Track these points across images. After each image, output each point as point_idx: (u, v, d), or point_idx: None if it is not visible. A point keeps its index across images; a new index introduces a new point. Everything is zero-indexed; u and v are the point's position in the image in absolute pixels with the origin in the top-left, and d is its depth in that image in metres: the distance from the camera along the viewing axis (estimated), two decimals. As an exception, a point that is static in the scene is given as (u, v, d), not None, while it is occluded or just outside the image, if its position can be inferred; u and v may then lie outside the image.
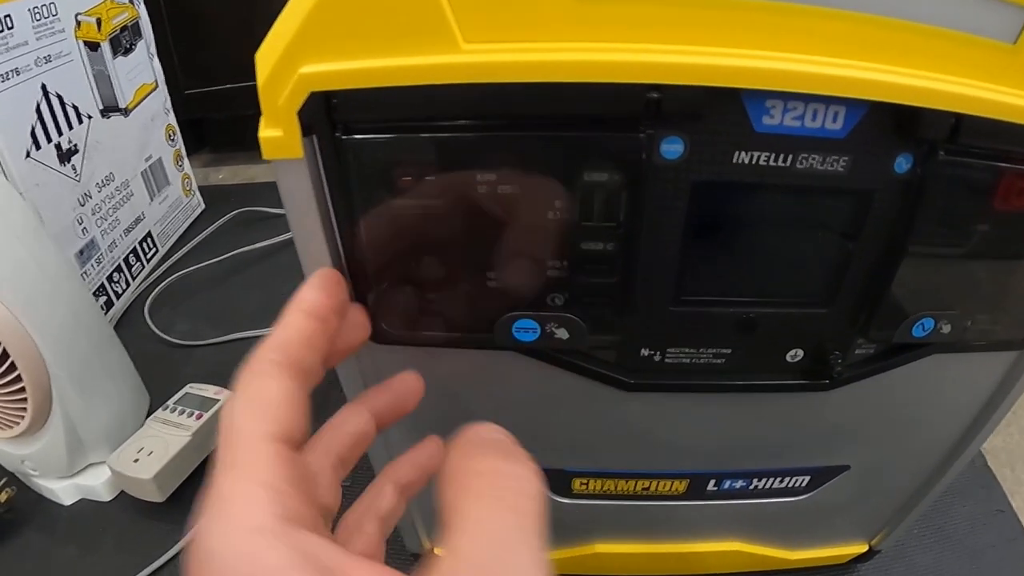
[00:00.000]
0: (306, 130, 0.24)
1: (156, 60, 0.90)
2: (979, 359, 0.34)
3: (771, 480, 0.39)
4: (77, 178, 0.73)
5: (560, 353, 0.30)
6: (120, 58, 0.82)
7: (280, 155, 0.24)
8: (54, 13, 0.70)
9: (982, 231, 0.27)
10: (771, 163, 0.25)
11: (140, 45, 0.87)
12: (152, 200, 0.89)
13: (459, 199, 0.25)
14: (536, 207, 0.25)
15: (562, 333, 0.28)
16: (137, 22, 0.87)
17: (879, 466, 0.40)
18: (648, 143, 0.24)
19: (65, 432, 0.52)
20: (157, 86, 0.90)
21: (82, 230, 0.74)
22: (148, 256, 0.87)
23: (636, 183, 0.24)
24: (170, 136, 0.93)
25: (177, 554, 0.48)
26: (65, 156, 0.71)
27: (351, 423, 0.21)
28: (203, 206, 0.99)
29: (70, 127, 0.72)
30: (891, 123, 0.24)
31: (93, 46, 0.77)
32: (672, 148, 0.24)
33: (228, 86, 1.02)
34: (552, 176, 0.24)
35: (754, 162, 0.25)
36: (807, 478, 0.40)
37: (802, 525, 0.44)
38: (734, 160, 0.25)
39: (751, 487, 0.39)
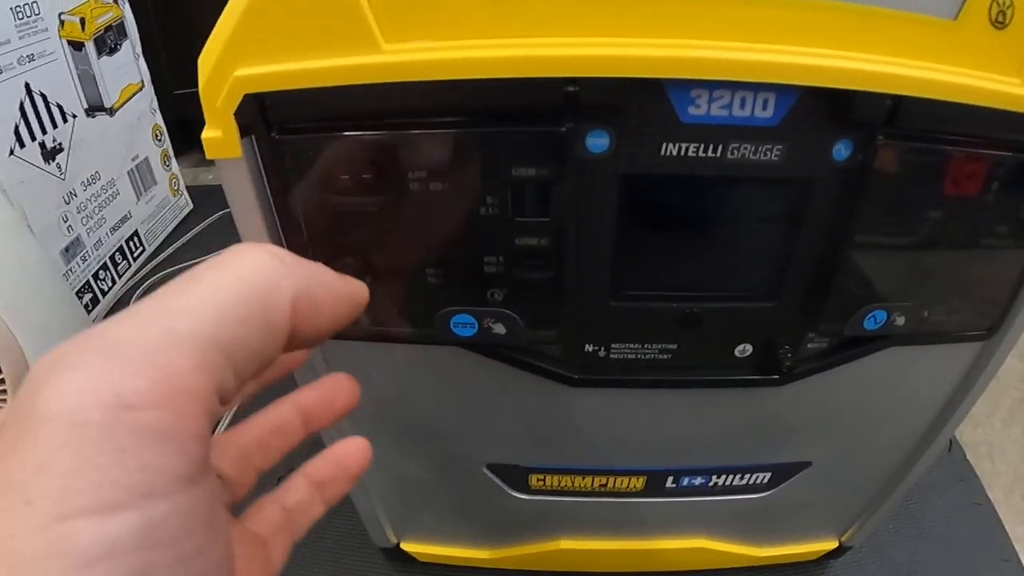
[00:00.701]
0: (243, 131, 0.24)
1: (142, 60, 0.90)
2: (940, 351, 0.33)
3: (731, 477, 0.39)
4: (62, 176, 0.74)
5: (503, 348, 0.30)
6: (105, 58, 0.83)
7: (221, 155, 0.24)
8: (37, 12, 0.70)
9: (932, 218, 0.26)
10: (700, 154, 0.25)
11: (125, 45, 0.87)
12: (139, 199, 0.90)
13: (392, 196, 0.25)
14: (468, 203, 0.25)
15: (499, 328, 0.28)
16: (122, 22, 0.87)
17: (841, 462, 0.39)
18: (572, 137, 0.24)
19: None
20: (143, 86, 0.91)
21: (67, 228, 0.75)
22: (135, 255, 0.88)
23: (563, 177, 0.24)
24: (157, 136, 0.94)
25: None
26: (50, 154, 0.72)
27: (272, 410, 0.21)
28: (191, 206, 1.00)
29: (54, 126, 0.73)
30: (826, 108, 0.24)
31: (77, 46, 0.77)
32: (597, 142, 0.24)
33: None
34: (481, 172, 0.24)
35: (683, 153, 0.25)
36: (768, 475, 0.39)
37: (767, 522, 0.44)
38: (662, 152, 0.25)
39: (711, 484, 0.39)
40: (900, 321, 0.30)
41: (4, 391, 0.50)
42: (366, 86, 0.22)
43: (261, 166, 0.25)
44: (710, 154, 0.25)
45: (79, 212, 0.77)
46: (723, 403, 0.34)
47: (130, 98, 0.88)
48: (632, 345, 0.31)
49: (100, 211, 0.81)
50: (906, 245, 0.28)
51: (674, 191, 0.26)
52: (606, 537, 0.43)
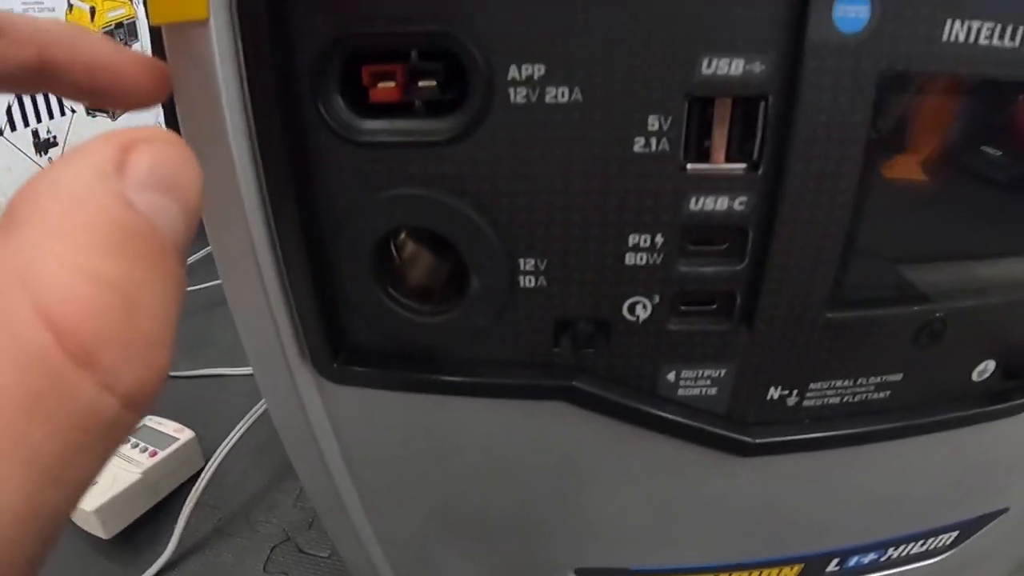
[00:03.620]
0: None
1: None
2: None
3: (910, 545, 0.29)
4: None
5: (634, 402, 0.18)
6: (114, 57, 0.76)
7: (171, 16, 0.14)
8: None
9: None
10: (995, 42, 0.15)
11: (136, 47, 0.81)
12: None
13: (476, 112, 0.14)
14: (607, 129, 0.14)
15: (638, 364, 0.17)
16: (134, 22, 0.81)
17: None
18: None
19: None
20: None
21: None
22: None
23: (791, 79, 0.13)
24: None
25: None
26: (42, 146, 0.66)
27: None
28: None
29: (51, 116, 0.68)
30: None
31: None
32: (852, 12, 0.13)
33: None
34: (638, 66, 0.13)
35: (973, 39, 0.14)
36: (954, 533, 0.29)
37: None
38: (945, 36, 0.14)
39: (883, 558, 0.29)
40: None
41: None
42: None
43: (239, 43, 0.14)
44: (1006, 43, 0.15)
45: (69, 217, 0.70)
46: (931, 451, 0.23)
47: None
48: (840, 383, 0.19)
49: (94, 220, 0.74)
50: None
51: (956, 106, 0.15)
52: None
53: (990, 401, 0.22)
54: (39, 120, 0.66)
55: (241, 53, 0.14)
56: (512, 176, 0.14)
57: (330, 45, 0.14)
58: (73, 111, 0.71)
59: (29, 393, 0.08)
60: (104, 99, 0.15)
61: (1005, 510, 0.29)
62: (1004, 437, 0.24)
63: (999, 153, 0.18)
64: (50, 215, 0.08)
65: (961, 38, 0.14)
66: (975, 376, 0.21)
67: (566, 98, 0.13)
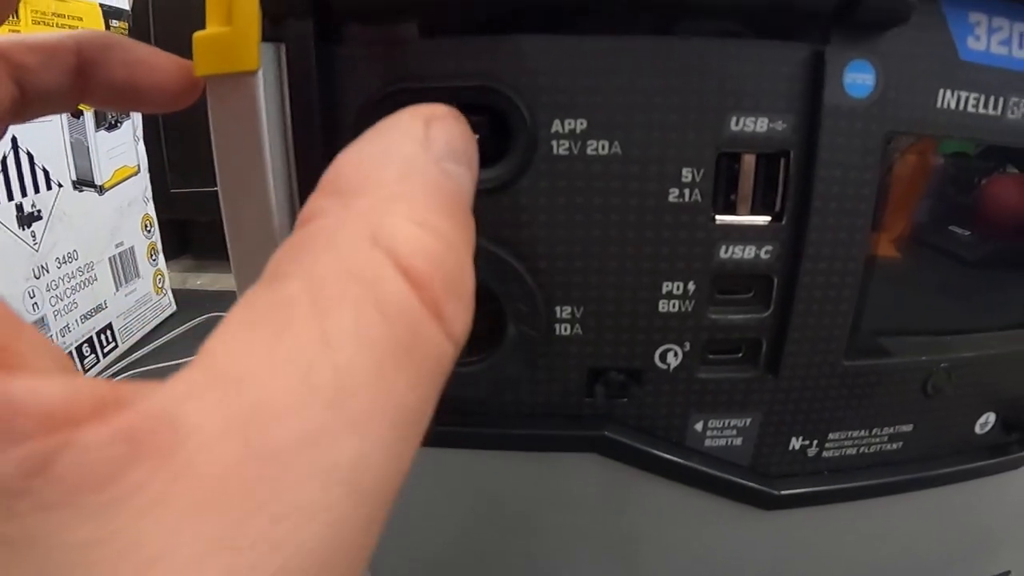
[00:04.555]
0: (273, 23, 0.14)
1: (141, 144, 0.84)
2: None
3: None
4: (36, 247, 0.65)
5: (670, 452, 0.18)
6: (103, 132, 0.76)
7: (224, 67, 0.14)
8: None
9: None
10: (981, 109, 0.16)
11: (126, 125, 0.82)
12: (118, 290, 0.80)
13: (519, 163, 0.14)
14: (644, 181, 0.14)
15: (667, 413, 0.17)
16: None
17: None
18: (832, 67, 0.14)
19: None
20: (139, 171, 0.84)
21: (32, 304, 0.65)
22: (105, 350, 0.77)
23: (810, 137, 0.14)
24: (147, 227, 0.86)
25: None
26: (26, 220, 0.64)
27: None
28: (174, 308, 0.91)
29: (36, 190, 0.66)
30: None
31: (75, 113, 0.71)
32: (859, 79, 0.14)
33: (216, 188, 0.97)
34: (676, 122, 0.14)
35: (961, 107, 0.16)
36: None
37: None
38: (939, 103, 0.16)
39: None
40: None
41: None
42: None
43: (287, 95, 0.14)
44: (990, 111, 0.17)
45: (49, 290, 0.68)
46: (927, 507, 0.23)
47: (123, 180, 0.81)
48: (856, 434, 0.20)
49: (73, 294, 0.71)
50: None
51: (952, 162, 0.16)
52: None
53: (992, 454, 0.22)
54: (24, 194, 0.65)
55: (288, 104, 0.15)
56: (552, 224, 0.15)
57: (378, 99, 0.14)
58: (60, 185, 0.70)
59: (397, 344, 0.08)
60: (142, 98, 0.16)
61: (1006, 573, 0.29)
62: (1006, 494, 0.24)
63: (967, 233, 0.20)
64: (387, 181, 0.09)
65: (952, 105, 0.16)
66: (978, 428, 0.22)
67: (606, 151, 0.14)
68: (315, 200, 0.09)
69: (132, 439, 0.06)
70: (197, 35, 0.14)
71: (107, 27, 0.67)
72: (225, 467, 0.07)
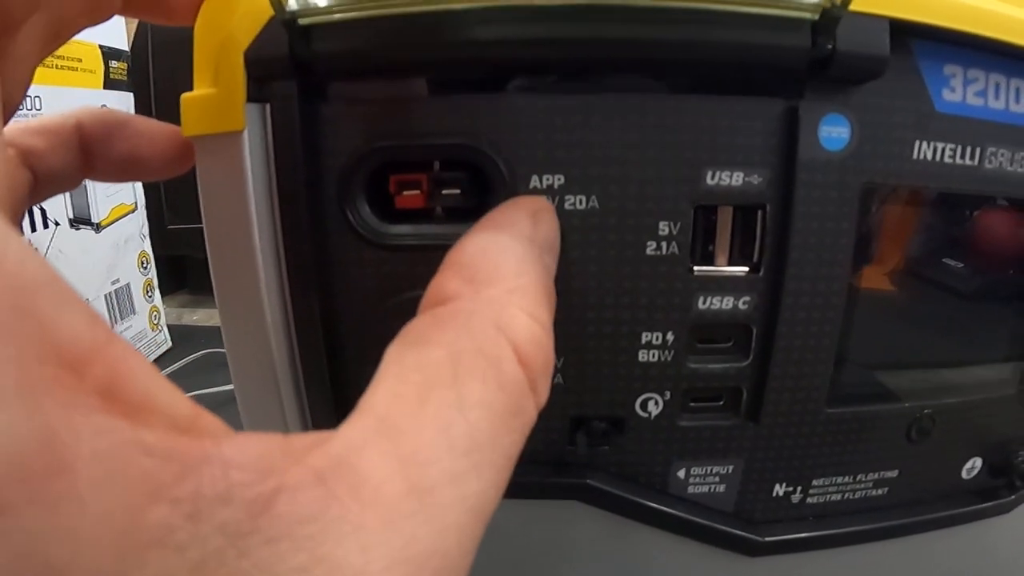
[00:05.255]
0: (257, 86, 0.14)
1: (138, 182, 0.85)
2: None
3: None
4: None
5: (653, 499, 0.18)
6: (98, 167, 0.77)
7: (210, 127, 0.14)
8: (38, 107, 0.65)
9: None
10: (957, 160, 0.17)
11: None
12: (114, 326, 0.80)
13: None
14: (624, 234, 0.15)
15: (651, 461, 0.17)
16: None
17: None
18: (807, 121, 0.14)
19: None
20: (136, 208, 0.85)
21: None
22: (103, 381, 0.76)
23: (786, 190, 0.15)
24: (143, 264, 0.86)
25: None
26: None
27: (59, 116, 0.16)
28: (169, 344, 0.90)
29: (33, 229, 0.66)
30: None
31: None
32: (835, 132, 0.15)
33: None
34: (655, 177, 0.14)
35: (938, 158, 0.16)
36: None
37: None
38: (915, 154, 0.16)
39: None
40: None
41: None
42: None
43: (272, 152, 0.14)
44: (967, 161, 0.17)
45: (43, 327, 0.67)
46: (916, 552, 0.23)
47: (120, 218, 0.82)
48: (841, 480, 0.20)
49: (67, 328, 0.71)
50: None
51: (931, 214, 0.17)
52: None
53: (980, 499, 0.22)
54: (20, 233, 0.66)
55: (273, 161, 0.15)
56: (531, 276, 0.15)
57: (360, 156, 0.15)
58: (56, 224, 0.70)
59: (507, 411, 0.10)
60: (143, 168, 0.17)
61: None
62: (993, 539, 0.24)
63: (960, 265, 0.20)
64: (508, 276, 0.11)
65: (929, 156, 0.16)
66: (964, 473, 0.22)
67: (584, 205, 0.14)
68: (450, 281, 0.11)
69: (326, 480, 0.08)
70: (185, 96, 0.14)
71: (107, 67, 0.67)
72: (395, 500, 0.09)
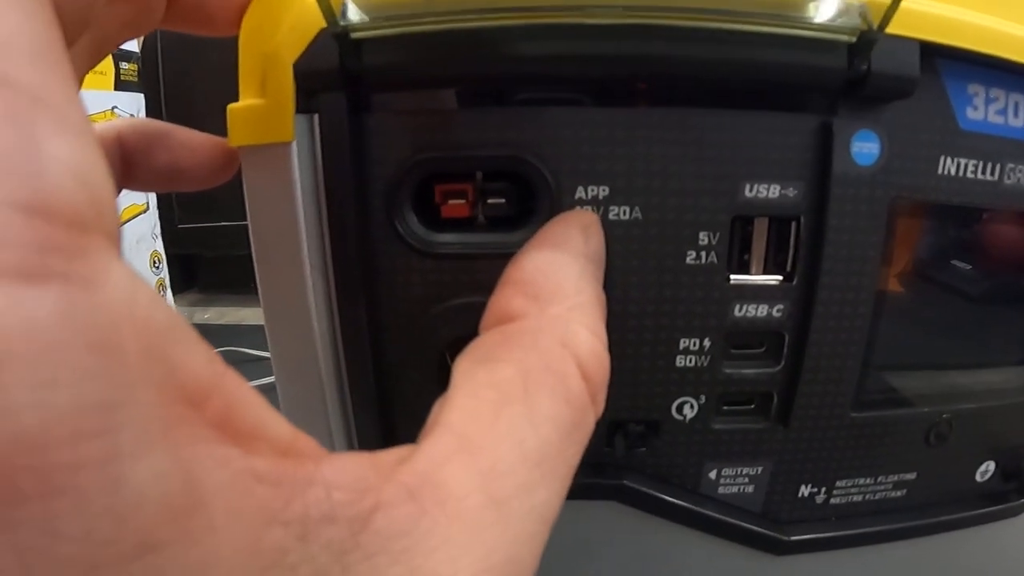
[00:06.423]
0: (306, 97, 0.15)
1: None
2: None
3: None
4: None
5: (685, 499, 0.18)
6: (109, 168, 0.77)
7: (257, 138, 0.15)
8: None
9: None
10: (979, 175, 0.17)
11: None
12: (125, 324, 0.80)
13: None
14: (663, 244, 0.15)
15: (685, 462, 0.17)
16: None
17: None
18: (841, 137, 0.15)
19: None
20: (148, 208, 0.85)
21: None
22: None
23: (819, 203, 0.15)
24: (155, 263, 0.86)
25: None
26: None
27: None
28: None
29: None
30: None
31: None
32: (866, 148, 0.15)
33: (224, 224, 0.97)
34: (695, 189, 0.15)
35: (961, 173, 0.17)
36: None
37: None
38: (940, 170, 0.17)
39: None
40: None
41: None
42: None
43: (320, 163, 0.15)
44: (988, 176, 0.17)
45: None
46: (932, 552, 0.24)
47: (132, 219, 0.82)
48: (863, 481, 0.20)
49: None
50: None
51: (954, 228, 0.17)
52: None
53: (992, 502, 0.23)
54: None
55: (321, 172, 0.15)
56: (575, 285, 0.15)
57: (408, 167, 0.15)
58: None
59: (572, 424, 0.11)
60: (183, 179, 0.17)
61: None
62: (1005, 541, 0.24)
63: (968, 268, 0.21)
64: (569, 293, 0.12)
65: (953, 172, 0.17)
66: (978, 476, 0.22)
67: (627, 216, 0.15)
68: (514, 299, 0.12)
69: (416, 496, 0.09)
70: (232, 107, 0.15)
71: (117, 69, 0.67)
72: (477, 512, 0.09)
